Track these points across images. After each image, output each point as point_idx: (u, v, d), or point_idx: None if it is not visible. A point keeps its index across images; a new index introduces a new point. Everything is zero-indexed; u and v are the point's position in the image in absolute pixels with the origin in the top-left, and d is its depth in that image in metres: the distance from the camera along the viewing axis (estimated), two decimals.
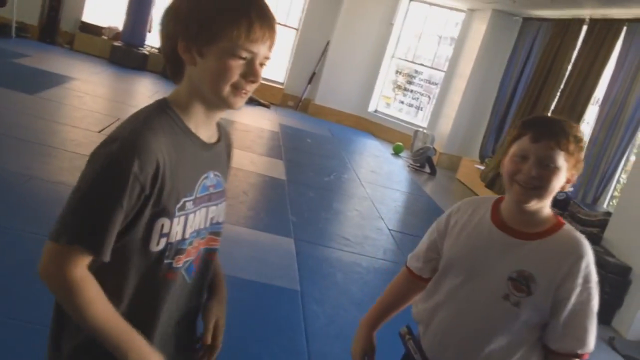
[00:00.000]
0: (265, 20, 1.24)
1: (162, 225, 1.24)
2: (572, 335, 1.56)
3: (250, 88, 1.28)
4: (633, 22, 6.77)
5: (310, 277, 4.16)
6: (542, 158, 1.55)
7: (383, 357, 1.93)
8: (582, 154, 1.61)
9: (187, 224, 1.30)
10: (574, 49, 7.84)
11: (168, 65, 1.31)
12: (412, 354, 1.78)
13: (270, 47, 1.28)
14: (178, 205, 1.26)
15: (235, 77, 1.24)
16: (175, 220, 1.26)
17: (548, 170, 1.55)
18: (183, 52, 1.25)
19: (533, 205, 1.58)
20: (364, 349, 1.89)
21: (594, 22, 7.48)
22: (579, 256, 1.55)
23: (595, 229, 5.47)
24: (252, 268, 3.99)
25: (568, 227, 1.63)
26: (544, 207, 1.61)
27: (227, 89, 1.25)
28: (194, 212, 1.32)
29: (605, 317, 4.95)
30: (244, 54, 1.23)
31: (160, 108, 1.29)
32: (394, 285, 1.95)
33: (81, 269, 1.18)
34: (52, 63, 9.35)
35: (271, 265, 4.18)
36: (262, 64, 1.28)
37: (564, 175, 1.57)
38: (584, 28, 7.72)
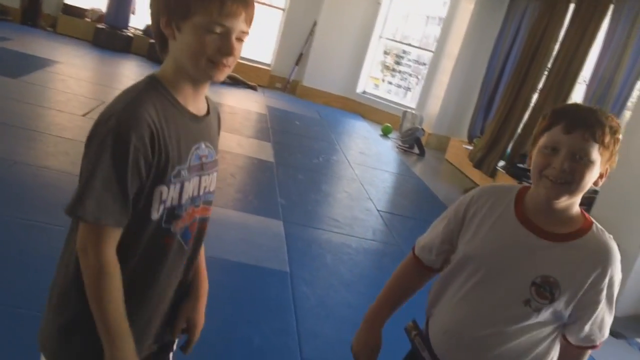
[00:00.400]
0: None
1: (161, 193, 1.32)
2: (595, 333, 1.55)
3: (228, 62, 1.32)
4: (620, 0, 6.75)
5: (300, 259, 4.15)
6: (575, 150, 1.43)
7: (387, 353, 1.84)
8: (618, 146, 1.48)
9: (182, 191, 1.36)
10: (561, 27, 7.82)
11: (156, 42, 1.38)
12: (419, 352, 1.69)
13: (246, 22, 1.32)
14: (173, 173, 1.33)
15: (210, 50, 1.29)
16: (172, 187, 1.33)
17: (581, 164, 1.43)
18: (164, 27, 1.31)
19: (563, 201, 1.48)
20: (369, 345, 1.77)
21: (581, 1, 7.46)
22: (607, 264, 1.47)
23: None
24: (241, 250, 3.97)
25: (597, 228, 1.52)
26: (574, 204, 1.51)
27: (204, 62, 1.30)
28: (189, 180, 1.38)
29: None
30: (218, 29, 1.28)
31: (149, 83, 1.34)
32: (403, 276, 1.81)
33: (113, 251, 1.26)
34: (35, 46, 9.20)
35: (260, 247, 4.16)
36: (239, 39, 1.33)
37: (598, 169, 1.46)
38: (571, 7, 7.70)
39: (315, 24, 11.74)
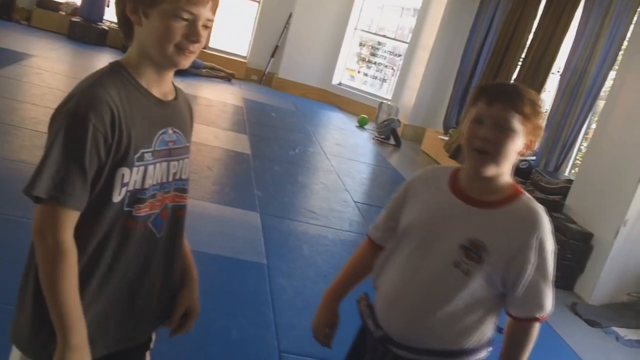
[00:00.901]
0: None
1: (123, 175, 1.31)
2: (530, 303, 1.58)
3: (194, 48, 1.34)
4: None
5: (277, 251, 4.17)
6: (497, 120, 1.53)
7: (347, 329, 1.91)
8: (541, 120, 1.58)
9: (146, 175, 1.36)
10: (534, 19, 7.91)
11: (120, 28, 1.39)
12: (364, 319, 1.77)
13: (212, 9, 1.34)
14: (137, 155, 1.33)
15: (177, 37, 1.31)
16: (135, 169, 1.33)
17: (503, 133, 1.52)
18: (130, 13, 1.33)
19: (490, 170, 1.56)
20: (326, 322, 1.87)
21: None
22: (533, 229, 1.54)
23: (557, 196, 5.59)
24: (218, 242, 3.98)
25: (526, 197, 1.61)
26: (502, 174, 1.59)
27: (170, 48, 1.32)
28: (154, 164, 1.38)
29: (568, 283, 5.08)
30: (185, 15, 1.30)
31: (112, 68, 1.36)
32: (356, 255, 1.93)
33: (71, 233, 1.26)
34: (9, 40, 9.06)
35: (237, 239, 4.17)
36: (206, 26, 1.35)
37: (521, 139, 1.55)
38: None
39: (290, 15, 11.71)
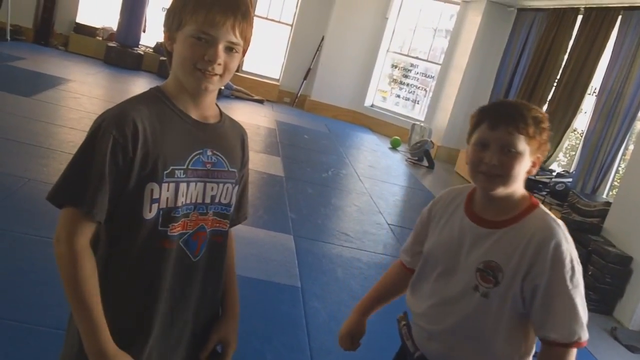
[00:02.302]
0: (228, 7, 1.33)
1: (152, 191, 1.33)
2: (553, 324, 1.50)
3: (215, 70, 1.35)
4: (628, 9, 6.76)
5: (311, 274, 4.16)
6: (503, 144, 1.53)
7: (389, 345, 1.94)
8: (545, 135, 1.58)
9: (178, 192, 1.37)
10: (569, 38, 7.83)
11: (166, 57, 1.45)
12: (404, 340, 1.79)
13: (235, 33, 1.35)
14: (166, 172, 1.34)
15: (196, 57, 1.34)
16: (164, 186, 1.34)
17: (510, 156, 1.52)
18: (166, 40, 1.40)
19: (500, 192, 1.56)
20: (351, 331, 1.92)
21: (589, 11, 7.48)
22: (546, 238, 1.50)
23: (595, 219, 5.47)
24: (252, 265, 3.99)
25: (540, 210, 1.59)
26: (515, 191, 1.58)
27: (191, 68, 1.35)
28: (187, 182, 1.38)
29: (607, 307, 4.95)
30: (204, 37, 1.33)
31: (149, 92, 1.42)
32: (387, 275, 1.97)
33: (85, 240, 1.29)
34: (48, 65, 9.33)
35: (271, 262, 4.18)
36: (230, 49, 1.36)
37: (528, 159, 1.55)
38: (579, 17, 7.71)
39: (323, 39, 11.81)
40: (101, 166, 1.28)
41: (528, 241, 1.52)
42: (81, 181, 1.28)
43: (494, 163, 1.52)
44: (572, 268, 1.50)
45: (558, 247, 1.50)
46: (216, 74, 1.36)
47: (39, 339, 2.68)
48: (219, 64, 1.35)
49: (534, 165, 1.58)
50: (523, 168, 1.55)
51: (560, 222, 1.56)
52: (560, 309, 1.50)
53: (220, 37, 1.33)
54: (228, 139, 1.52)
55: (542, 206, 1.61)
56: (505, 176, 1.53)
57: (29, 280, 3.14)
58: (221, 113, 1.52)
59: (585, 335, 1.51)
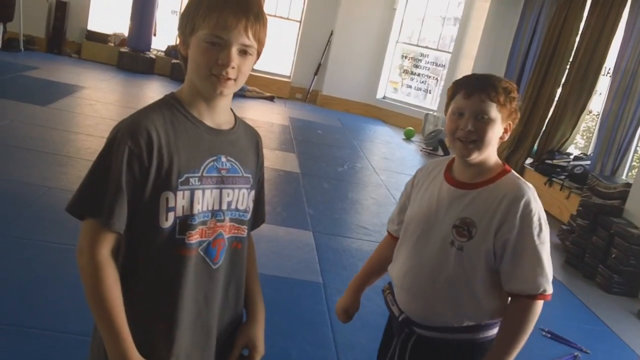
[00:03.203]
0: (240, 9, 1.32)
1: (167, 199, 1.34)
2: (520, 276, 1.63)
3: (229, 74, 1.34)
4: None
5: (332, 269, 4.18)
6: (476, 112, 1.66)
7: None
8: (515, 104, 1.70)
9: (193, 200, 1.37)
10: (580, 20, 7.75)
11: (182, 63, 1.44)
12: (390, 307, 1.88)
13: (248, 35, 1.34)
14: (180, 180, 1.35)
15: (210, 61, 1.33)
16: (179, 194, 1.35)
17: (483, 122, 1.66)
18: (180, 45, 1.41)
19: (475, 157, 1.69)
20: (346, 307, 2.04)
21: None
22: (516, 198, 1.63)
23: (616, 201, 5.41)
24: (273, 263, 4.01)
25: (512, 174, 1.72)
26: (489, 157, 1.71)
27: (205, 72, 1.35)
28: (202, 189, 1.38)
29: (632, 289, 4.91)
30: (217, 41, 1.32)
31: (163, 99, 1.43)
32: (377, 249, 2.10)
33: (107, 250, 1.31)
34: (62, 73, 9.41)
35: (292, 259, 4.20)
36: (244, 52, 1.36)
37: (500, 125, 1.69)
38: None
39: (332, 33, 11.80)
40: (118, 177, 1.29)
41: (500, 200, 1.65)
42: (99, 192, 1.30)
43: (469, 129, 1.65)
44: (540, 226, 1.64)
45: (527, 206, 1.63)
46: (230, 78, 1.35)
47: (64, 346, 2.72)
48: (233, 68, 1.33)
49: (505, 131, 1.72)
50: (496, 134, 1.69)
51: (530, 185, 1.70)
52: (527, 262, 1.63)
53: (233, 40, 1.32)
54: (242, 145, 1.51)
55: (513, 172, 1.75)
56: (479, 141, 1.66)
57: (53, 288, 3.18)
58: (236, 119, 1.52)
59: (550, 289, 1.64)
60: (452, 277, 1.69)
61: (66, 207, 1.32)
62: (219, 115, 1.45)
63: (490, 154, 1.72)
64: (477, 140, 1.66)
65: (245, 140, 1.53)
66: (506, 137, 1.74)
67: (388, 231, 2.02)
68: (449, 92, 1.76)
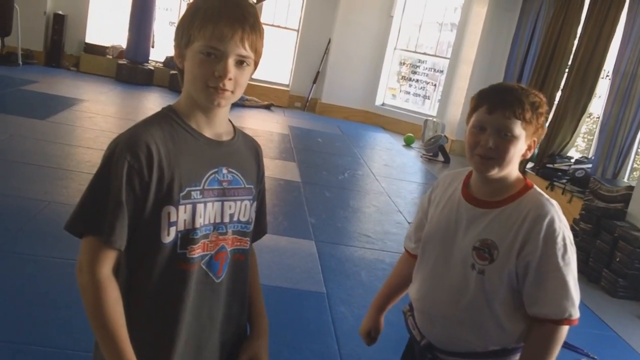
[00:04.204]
0: (235, 20, 1.30)
1: (169, 214, 1.32)
2: (544, 300, 1.54)
3: (226, 86, 1.33)
4: None
5: (335, 278, 4.15)
6: (499, 128, 1.56)
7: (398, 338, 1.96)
8: (542, 119, 1.60)
9: (195, 213, 1.35)
10: (578, 23, 7.76)
11: (178, 74, 1.43)
12: (410, 330, 1.82)
13: (244, 45, 1.32)
14: (182, 193, 1.33)
15: (206, 73, 1.32)
16: (181, 208, 1.33)
17: (505, 139, 1.55)
18: (176, 58, 1.39)
19: (494, 174, 1.59)
20: (368, 329, 1.98)
21: None
22: (539, 217, 1.55)
23: (619, 204, 5.39)
24: (276, 273, 3.99)
25: (534, 191, 1.63)
26: (509, 174, 1.62)
27: (202, 85, 1.33)
28: (204, 203, 1.36)
29: (637, 293, 4.89)
30: (213, 52, 1.30)
31: (161, 112, 1.41)
32: (396, 268, 2.03)
33: (108, 269, 1.28)
34: (60, 87, 9.41)
35: (295, 269, 4.18)
36: (241, 62, 1.34)
37: (523, 143, 1.58)
38: (587, 1, 7.64)
39: (329, 41, 11.81)
40: (118, 193, 1.27)
41: (522, 220, 1.56)
42: (98, 209, 1.27)
43: (489, 146, 1.55)
44: (564, 246, 1.54)
45: (551, 225, 1.54)
46: (227, 90, 1.33)
47: None
48: (230, 79, 1.31)
49: (529, 148, 1.62)
50: (518, 151, 1.58)
51: (554, 202, 1.61)
52: (551, 286, 1.54)
53: (229, 51, 1.30)
54: (243, 155, 1.50)
55: (536, 187, 1.65)
56: (499, 159, 1.56)
57: (55, 304, 3.16)
58: (235, 129, 1.50)
59: (576, 313, 1.54)
60: (473, 301, 1.61)
61: (65, 226, 1.30)
62: (218, 126, 1.43)
63: (511, 170, 1.62)
64: (497, 157, 1.56)
65: (246, 150, 1.52)
66: (529, 155, 1.64)
67: (406, 249, 1.95)
68: (471, 103, 1.65)
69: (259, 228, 1.60)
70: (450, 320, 1.66)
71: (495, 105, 1.56)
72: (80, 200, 1.30)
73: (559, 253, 1.53)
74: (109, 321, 1.26)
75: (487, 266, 1.57)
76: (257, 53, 1.37)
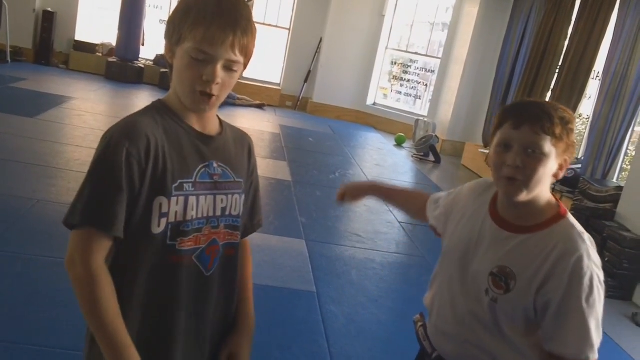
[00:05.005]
0: (228, 24, 1.29)
1: (161, 205, 1.31)
2: (562, 339, 1.43)
3: (213, 90, 1.32)
4: None
5: (325, 278, 4.14)
6: (527, 145, 1.42)
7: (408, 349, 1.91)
8: (573, 137, 1.47)
9: (187, 206, 1.34)
10: (569, 23, 7.80)
11: (168, 68, 1.41)
12: (421, 341, 1.75)
13: (234, 50, 1.31)
14: (175, 185, 1.32)
15: (194, 76, 1.31)
16: (173, 199, 1.32)
17: (534, 157, 1.42)
18: (166, 52, 1.38)
19: (522, 197, 1.46)
20: (352, 193, 2.01)
21: None
22: (567, 253, 1.42)
23: (608, 204, 5.42)
24: (266, 273, 3.98)
25: (567, 221, 1.49)
26: (538, 197, 1.49)
27: (189, 88, 1.33)
28: (196, 196, 1.36)
29: (625, 293, 4.91)
30: (202, 56, 1.29)
31: (153, 105, 1.41)
32: (412, 192, 2.06)
33: (101, 259, 1.26)
34: (50, 84, 9.35)
35: (285, 268, 4.17)
36: (229, 68, 1.33)
37: (554, 162, 1.45)
38: (578, 1, 7.67)
39: (321, 40, 11.81)
40: (118, 178, 1.25)
41: (548, 253, 1.43)
42: (98, 197, 1.25)
43: (517, 165, 1.42)
44: (591, 287, 1.41)
45: (579, 263, 1.41)
46: (214, 95, 1.32)
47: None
48: (217, 84, 1.31)
49: (560, 168, 1.48)
50: (548, 171, 1.45)
51: (587, 236, 1.48)
52: (571, 328, 1.42)
53: (218, 56, 1.29)
54: (232, 149, 1.49)
55: (570, 216, 1.51)
56: (527, 180, 1.43)
57: (44, 303, 3.13)
58: (222, 123, 1.50)
59: (594, 356, 1.43)
60: (486, 325, 1.52)
61: (63, 220, 1.27)
62: (207, 121, 1.44)
63: (541, 193, 1.48)
64: (525, 179, 1.42)
65: (235, 144, 1.51)
66: (561, 175, 1.49)
67: (427, 202, 1.86)
68: (495, 119, 1.51)
69: (255, 220, 1.59)
70: (462, 338, 1.58)
71: (522, 119, 1.43)
72: (78, 192, 1.27)
73: (584, 295, 1.40)
74: (106, 313, 1.24)
75: (502, 296, 1.47)
76: (248, 56, 1.37)
